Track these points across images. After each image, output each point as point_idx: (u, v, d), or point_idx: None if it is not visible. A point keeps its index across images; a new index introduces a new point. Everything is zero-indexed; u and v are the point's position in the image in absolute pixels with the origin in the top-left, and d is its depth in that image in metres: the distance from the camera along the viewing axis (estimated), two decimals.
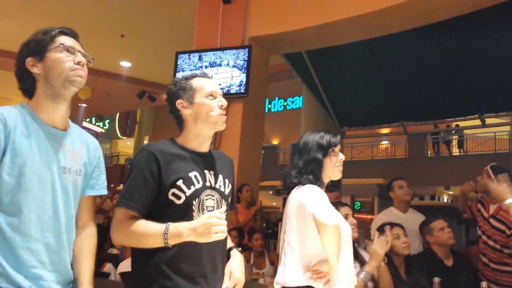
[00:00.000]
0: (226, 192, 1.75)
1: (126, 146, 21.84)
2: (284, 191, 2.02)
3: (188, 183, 1.63)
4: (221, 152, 1.89)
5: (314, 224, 1.87)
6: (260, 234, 4.56)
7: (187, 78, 1.78)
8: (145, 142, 20.72)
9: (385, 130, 11.35)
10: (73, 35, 1.59)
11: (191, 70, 5.34)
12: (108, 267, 3.73)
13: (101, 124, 17.70)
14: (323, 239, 1.85)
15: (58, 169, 1.50)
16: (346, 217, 2.44)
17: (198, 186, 1.64)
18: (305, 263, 1.90)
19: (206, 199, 1.65)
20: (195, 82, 1.76)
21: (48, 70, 1.51)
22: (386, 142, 16.36)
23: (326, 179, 2.05)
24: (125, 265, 3.05)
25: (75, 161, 1.56)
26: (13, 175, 1.40)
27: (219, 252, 1.69)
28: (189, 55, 5.41)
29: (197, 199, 1.62)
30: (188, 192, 1.61)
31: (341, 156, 2.07)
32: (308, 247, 1.91)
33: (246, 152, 5.06)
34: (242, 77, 5.14)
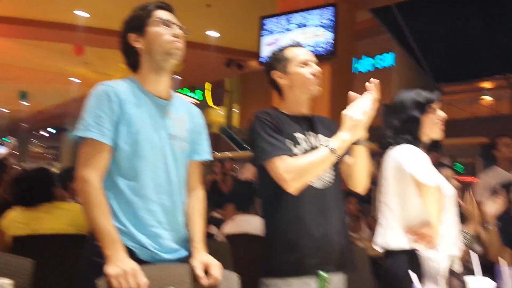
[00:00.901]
0: None
1: (218, 115, 22.56)
2: (376, 155, 2.00)
3: (295, 142, 1.75)
4: (322, 116, 1.97)
5: (413, 185, 1.83)
6: (355, 198, 4.49)
7: (280, 49, 1.86)
8: (235, 110, 21.27)
9: (486, 84, 10.46)
10: (169, 8, 1.65)
11: (280, 32, 5.35)
12: (212, 229, 3.98)
13: (193, 94, 18.46)
14: (424, 200, 1.80)
15: (167, 136, 1.60)
16: (447, 179, 2.34)
17: (303, 145, 1.76)
18: (406, 225, 1.87)
19: None
20: (288, 53, 1.84)
21: (149, 44, 1.59)
22: (488, 97, 15.07)
23: (425, 138, 1.98)
24: (228, 227, 3.25)
25: (181, 128, 1.66)
26: (129, 143, 1.53)
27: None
28: (277, 19, 5.41)
29: None
30: (296, 151, 1.73)
31: (441, 113, 1.98)
32: (409, 209, 1.88)
33: (337, 115, 4.96)
34: (329, 36, 5.04)
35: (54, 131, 20.63)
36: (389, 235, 1.91)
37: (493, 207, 2.44)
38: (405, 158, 1.86)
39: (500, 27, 5.47)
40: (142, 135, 1.54)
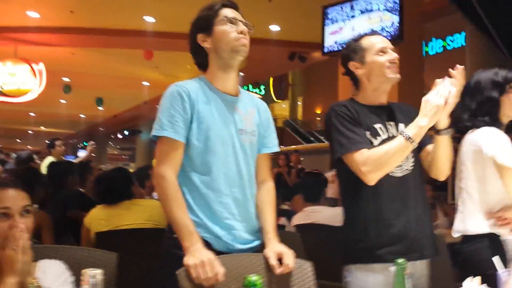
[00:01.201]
0: None
1: (282, 109, 22.61)
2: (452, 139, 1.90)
3: (375, 134, 1.73)
4: (400, 103, 1.93)
5: (494, 168, 1.74)
6: (430, 186, 4.36)
7: (356, 40, 1.85)
8: (299, 103, 21.18)
9: None
10: (234, 6, 1.70)
11: (344, 20, 5.26)
12: (282, 220, 4.02)
13: (257, 90, 18.66)
14: (507, 183, 1.72)
15: (236, 131, 1.66)
16: None
17: (383, 136, 1.73)
18: (487, 210, 1.79)
19: None
20: (364, 42, 1.81)
21: (217, 43, 1.64)
22: None
23: (505, 120, 1.87)
24: (298, 218, 3.27)
25: (249, 123, 1.71)
26: (200, 139, 1.60)
27: None
28: (341, 6, 5.32)
29: None
30: (376, 142, 1.71)
31: None
32: (489, 193, 1.79)
33: (406, 102, 4.79)
34: (395, 20, 4.87)
35: (127, 134, 21.80)
36: (469, 221, 1.84)
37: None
38: (485, 140, 1.78)
39: None
40: (213, 132, 1.61)
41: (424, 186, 1.85)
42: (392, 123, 1.79)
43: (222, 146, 1.62)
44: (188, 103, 1.59)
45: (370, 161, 1.63)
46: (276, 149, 1.82)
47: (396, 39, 4.77)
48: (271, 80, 20.15)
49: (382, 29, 4.98)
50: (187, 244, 1.48)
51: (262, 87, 19.03)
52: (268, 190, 1.76)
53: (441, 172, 1.79)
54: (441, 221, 4.10)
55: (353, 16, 5.21)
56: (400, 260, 1.21)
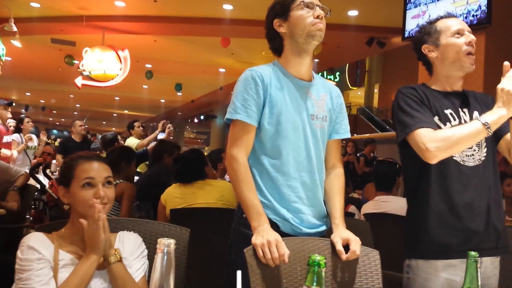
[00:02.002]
0: None
1: (357, 96, 22.08)
2: None
3: (444, 119, 1.65)
4: (478, 92, 1.82)
5: None
6: (511, 179, 4.07)
7: (431, 22, 1.78)
8: (375, 90, 20.53)
9: None
10: None
11: (427, 4, 5.01)
12: (352, 208, 3.98)
13: (332, 77, 18.32)
14: None
15: (308, 116, 1.67)
16: None
17: (454, 123, 1.65)
18: None
19: None
20: (440, 24, 1.74)
21: (293, 28, 1.65)
22: None
23: None
24: (368, 207, 3.22)
25: (321, 108, 1.71)
26: (272, 123, 1.63)
27: None
28: (439, 16, 5.07)
29: None
30: (445, 128, 1.63)
31: None
32: None
33: (493, 92, 4.46)
34: (483, 2, 4.54)
35: (203, 118, 22.54)
36: None
37: None
38: None
39: None
40: (284, 116, 1.63)
41: (498, 178, 1.73)
42: (466, 110, 1.70)
43: (293, 130, 1.64)
44: (262, 87, 1.62)
45: (437, 138, 1.53)
46: (348, 135, 1.81)
47: (484, 24, 4.46)
48: (347, 66, 19.71)
49: (469, 12, 4.67)
50: (255, 224, 1.52)
51: (337, 74, 18.69)
52: (338, 176, 1.76)
53: None
54: None
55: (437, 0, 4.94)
56: (472, 253, 1.15)
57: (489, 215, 1.64)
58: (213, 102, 20.46)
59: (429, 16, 4.97)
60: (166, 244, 0.96)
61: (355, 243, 1.53)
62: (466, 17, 4.69)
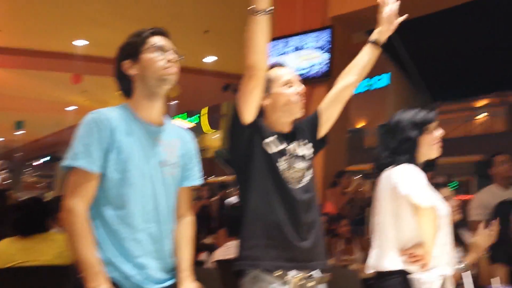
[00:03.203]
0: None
1: (214, 139, 22.59)
2: (371, 176, 1.98)
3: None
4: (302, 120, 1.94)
5: (408, 206, 1.79)
6: (346, 220, 4.46)
7: None
8: None
9: (481, 103, 10.51)
10: (164, 34, 1.65)
11: (277, 56, 5.38)
12: (203, 256, 3.89)
13: (190, 119, 18.50)
14: (419, 221, 1.77)
15: (157, 163, 1.58)
16: (446, 199, 2.29)
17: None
18: (400, 247, 1.83)
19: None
20: (272, 73, 1.83)
21: (143, 71, 1.58)
22: (482, 115, 15.13)
23: (422, 159, 1.95)
24: (219, 253, 3.14)
25: (172, 154, 1.63)
26: (118, 170, 1.50)
27: None
28: (275, 42, 5.45)
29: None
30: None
31: (438, 133, 1.95)
32: (403, 230, 1.84)
33: (331, 136, 4.96)
34: (325, 58, 5.06)
35: (49, 160, 20.69)
36: (382, 257, 1.87)
37: (486, 239, 2.38)
38: (401, 178, 1.83)
39: (494, 46, 5.52)
40: (132, 163, 1.52)
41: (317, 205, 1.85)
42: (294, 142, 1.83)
43: (141, 178, 1.53)
44: (107, 131, 1.50)
45: None
46: (199, 182, 1.75)
47: (326, 76, 4.95)
48: (204, 110, 20.12)
49: (313, 65, 5.16)
50: (92, 284, 1.38)
51: (195, 117, 18.93)
52: (187, 225, 1.70)
53: (360, 76, 1.91)
54: (357, 256, 4.16)
55: (285, 53, 5.36)
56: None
57: (308, 237, 1.74)
58: (61, 142, 18.89)
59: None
60: None
61: None
62: (310, 70, 5.16)
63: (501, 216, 2.62)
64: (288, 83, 1.81)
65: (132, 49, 1.60)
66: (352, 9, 5.02)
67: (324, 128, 1.93)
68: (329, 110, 1.93)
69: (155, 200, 1.56)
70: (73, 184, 1.47)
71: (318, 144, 1.93)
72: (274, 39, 5.45)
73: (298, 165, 1.78)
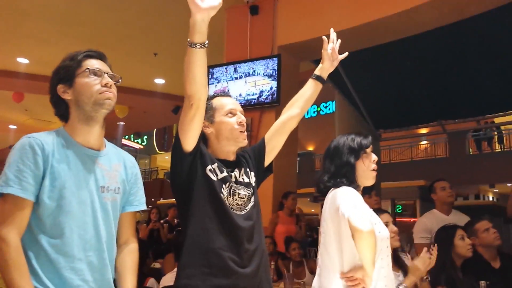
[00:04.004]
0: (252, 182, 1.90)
1: (164, 160, 22.23)
2: (321, 198, 2.03)
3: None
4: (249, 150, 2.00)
5: (348, 228, 1.80)
6: (297, 244, 4.46)
7: (208, 99, 1.84)
8: None
9: (423, 130, 11.07)
10: (100, 56, 1.61)
11: (227, 81, 5.44)
12: (150, 282, 3.79)
13: (139, 140, 18.15)
14: (358, 244, 1.78)
15: (97, 189, 1.53)
16: (386, 224, 2.35)
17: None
18: (341, 268, 1.85)
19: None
20: (215, 102, 1.87)
21: (78, 95, 1.53)
22: (425, 142, 15.94)
23: (360, 182, 2.01)
24: (167, 279, 3.06)
25: (113, 180, 1.59)
26: (53, 198, 1.44)
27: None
28: (226, 68, 5.52)
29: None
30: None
31: (374, 157, 2.02)
32: (344, 251, 1.85)
33: (281, 159, 5.02)
34: (274, 85, 5.18)
35: None
36: (324, 278, 1.89)
37: (426, 263, 2.44)
38: (341, 200, 1.85)
39: (432, 78, 5.85)
40: (68, 189, 1.46)
41: (262, 229, 1.89)
42: (237, 170, 1.86)
43: (79, 205, 1.48)
44: (41, 157, 1.44)
45: None
46: (143, 207, 1.71)
47: (274, 103, 5.06)
48: (154, 131, 19.82)
49: (262, 92, 5.26)
50: None
51: (144, 138, 18.62)
52: (131, 252, 1.65)
53: (303, 109, 1.98)
54: (307, 279, 4.19)
55: (236, 78, 5.44)
56: None
57: (251, 264, 1.76)
58: (2, 160, 17.87)
59: (235, 90, 5.41)
60: None
61: None
62: (260, 96, 5.26)
63: (442, 241, 2.74)
64: (231, 112, 1.85)
65: (66, 73, 1.55)
66: (298, 40, 5.19)
67: (269, 157, 1.98)
68: (274, 140, 1.98)
69: (95, 227, 1.51)
70: (5, 212, 1.40)
71: (263, 173, 1.97)
72: (224, 64, 5.53)
73: (241, 192, 1.80)
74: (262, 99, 5.20)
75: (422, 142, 15.95)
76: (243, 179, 1.84)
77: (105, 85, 1.55)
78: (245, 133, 1.85)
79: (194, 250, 1.70)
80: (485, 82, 5.57)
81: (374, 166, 2.00)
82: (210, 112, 1.83)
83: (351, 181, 1.96)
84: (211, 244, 1.68)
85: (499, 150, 13.87)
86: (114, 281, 1.59)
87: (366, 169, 1.99)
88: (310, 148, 18.19)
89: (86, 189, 1.51)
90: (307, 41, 5.09)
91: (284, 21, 5.38)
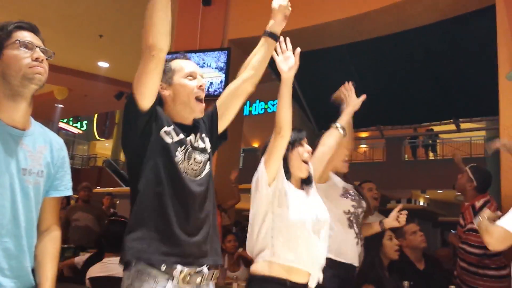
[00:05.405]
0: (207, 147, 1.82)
1: (104, 147, 21.50)
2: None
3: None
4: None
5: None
6: (233, 236, 4.48)
7: (167, 60, 1.74)
8: None
9: (363, 134, 11.47)
10: (32, 29, 1.50)
11: None
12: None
13: (78, 125, 17.39)
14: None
15: (18, 171, 1.43)
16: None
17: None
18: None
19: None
20: (174, 64, 1.78)
21: (5, 68, 1.43)
22: (364, 146, 16.54)
23: (295, 174, 2.05)
24: (95, 270, 2.94)
25: (37, 162, 1.49)
26: None
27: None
28: (175, 56, 5.41)
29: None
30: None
31: (307, 148, 2.07)
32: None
33: (224, 154, 5.05)
34: (222, 78, 5.15)
35: None
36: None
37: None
38: (258, 169, 1.95)
39: (373, 84, 6.05)
40: None
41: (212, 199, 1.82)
42: (192, 135, 1.77)
43: None
44: None
45: None
46: (69, 193, 1.62)
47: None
48: (95, 116, 19.12)
49: (211, 84, 5.22)
50: None
51: (84, 123, 17.88)
52: (53, 240, 1.55)
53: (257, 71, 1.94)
54: (241, 272, 4.19)
55: None
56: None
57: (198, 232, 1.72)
58: None
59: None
60: None
61: None
62: (208, 88, 5.19)
63: (371, 240, 2.81)
64: (191, 75, 1.76)
65: None
66: (250, 35, 5.17)
67: (223, 123, 1.90)
68: (226, 104, 1.90)
69: (14, 212, 1.41)
70: None
71: (217, 139, 1.90)
72: (173, 52, 5.41)
73: (197, 157, 1.72)
74: (211, 92, 5.15)
75: (362, 146, 16.54)
76: (199, 144, 1.76)
77: (36, 59, 1.45)
78: (203, 104, 1.76)
79: (143, 214, 1.60)
80: (423, 91, 5.84)
81: (306, 155, 2.05)
82: (168, 74, 1.73)
83: (287, 173, 2.02)
84: (161, 209, 1.60)
85: (433, 158, 14.68)
86: (33, 270, 1.49)
87: (297, 161, 2.04)
88: (255, 145, 18.30)
89: (6, 171, 1.40)
90: (258, 37, 5.07)
91: (237, 15, 5.35)
